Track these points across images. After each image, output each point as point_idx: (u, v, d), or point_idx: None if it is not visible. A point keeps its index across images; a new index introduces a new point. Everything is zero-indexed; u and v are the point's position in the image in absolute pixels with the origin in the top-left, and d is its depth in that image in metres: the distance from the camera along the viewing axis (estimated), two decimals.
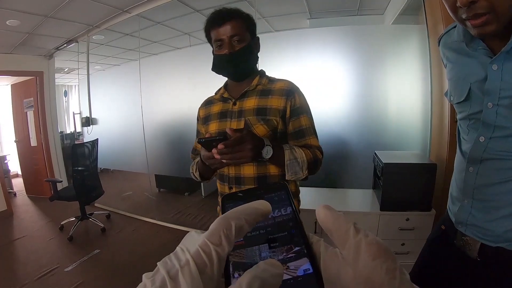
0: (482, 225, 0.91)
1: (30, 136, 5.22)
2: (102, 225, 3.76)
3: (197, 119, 1.39)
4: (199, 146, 1.26)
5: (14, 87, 5.39)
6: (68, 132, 6.23)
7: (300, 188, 2.99)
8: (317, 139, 1.25)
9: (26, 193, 5.47)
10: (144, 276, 0.22)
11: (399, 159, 2.20)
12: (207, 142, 0.98)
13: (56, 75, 5.42)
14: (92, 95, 4.40)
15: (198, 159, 1.23)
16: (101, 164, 4.28)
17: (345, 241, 0.22)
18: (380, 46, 2.86)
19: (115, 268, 2.89)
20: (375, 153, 2.48)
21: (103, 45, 4.43)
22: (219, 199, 1.31)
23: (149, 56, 3.82)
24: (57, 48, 4.74)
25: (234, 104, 1.24)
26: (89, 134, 4.45)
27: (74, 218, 3.79)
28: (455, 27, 0.94)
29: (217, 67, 1.21)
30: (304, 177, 1.17)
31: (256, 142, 1.02)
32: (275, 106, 1.19)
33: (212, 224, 0.23)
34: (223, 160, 0.99)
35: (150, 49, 3.99)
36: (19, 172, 5.80)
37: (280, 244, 0.26)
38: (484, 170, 0.88)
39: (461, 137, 1.00)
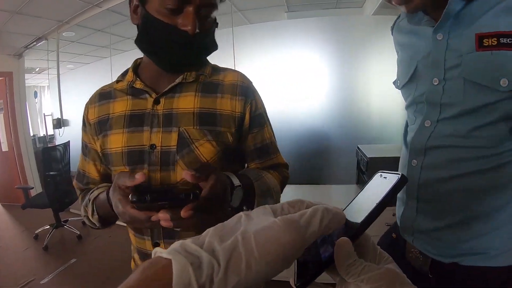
0: (431, 234, 0.78)
1: (1, 141, 4.99)
2: (78, 232, 3.60)
3: (83, 125, 0.85)
4: (91, 170, 0.85)
5: None
6: (41, 135, 5.99)
7: None
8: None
9: None
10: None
11: (384, 153, 2.18)
12: (153, 202, 0.54)
13: (27, 76, 5.20)
14: (63, 95, 4.23)
15: (95, 194, 0.78)
16: (74, 168, 4.10)
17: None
18: (361, 38, 2.83)
19: (92, 278, 2.77)
20: (358, 147, 2.45)
21: (74, 42, 4.26)
22: (135, 256, 0.87)
23: (121, 53, 3.68)
24: (26, 47, 4.55)
25: (156, 102, 0.75)
26: (61, 137, 4.26)
27: (48, 226, 3.62)
28: None
29: (156, 47, 0.72)
30: None
31: (225, 187, 0.64)
32: (229, 111, 0.77)
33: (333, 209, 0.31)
34: (174, 228, 0.58)
35: (123, 46, 3.85)
36: None
37: None
38: (430, 163, 0.76)
39: (407, 129, 0.89)
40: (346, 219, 0.31)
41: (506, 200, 0.71)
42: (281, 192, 0.85)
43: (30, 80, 6.00)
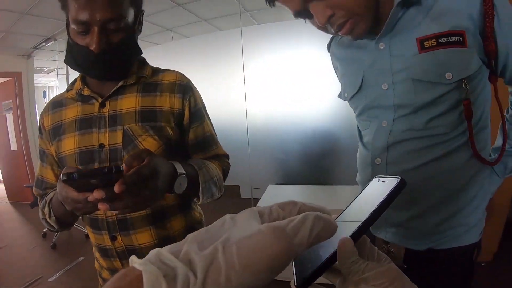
0: (404, 225, 0.82)
1: (10, 140, 5.07)
2: (86, 231, 3.62)
3: (40, 132, 0.91)
4: (49, 174, 0.90)
5: None
6: None
7: (286, 186, 2.97)
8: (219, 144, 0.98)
9: (8, 200, 5.32)
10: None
11: None
12: (81, 179, 0.54)
13: (36, 76, 5.26)
14: None
15: (50, 196, 0.81)
16: None
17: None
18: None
19: None
20: None
21: None
22: (97, 255, 0.91)
23: None
24: (35, 47, 4.59)
25: (102, 105, 0.82)
26: None
27: None
28: None
29: (78, 65, 0.79)
30: (219, 196, 0.88)
31: (166, 171, 0.66)
32: (167, 107, 0.84)
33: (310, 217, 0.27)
34: (110, 211, 0.58)
35: None
36: (1, 178, 5.60)
37: None
38: (393, 158, 0.80)
39: (362, 134, 0.93)
40: (346, 221, 0.31)
41: (465, 180, 0.77)
42: (224, 180, 0.92)
43: (39, 80, 6.07)
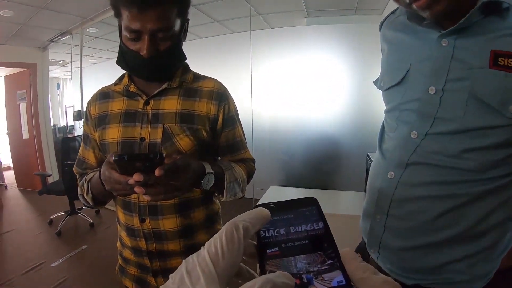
0: (396, 253, 0.73)
1: (22, 129, 5.16)
2: (91, 221, 3.72)
3: (86, 118, 1.00)
4: (90, 156, 1.00)
5: (7, 78, 5.32)
6: (61, 125, 6.17)
7: (290, 188, 3.00)
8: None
9: (17, 186, 5.41)
10: (170, 276, 0.24)
11: None
12: (129, 161, 0.62)
13: (51, 68, 5.36)
14: (85, 88, 4.34)
15: (90, 175, 0.92)
16: None
17: (365, 280, 0.25)
18: (379, 46, 2.82)
19: (101, 265, 2.86)
20: (368, 155, 2.45)
21: (97, 38, 4.37)
22: (122, 234, 1.01)
23: None
24: (51, 40, 4.68)
25: (146, 103, 0.91)
26: (80, 128, 4.39)
27: (63, 213, 3.75)
28: None
29: (128, 67, 0.89)
30: (242, 196, 0.98)
31: (196, 168, 0.77)
32: (204, 112, 0.92)
33: (225, 225, 0.26)
34: (145, 196, 0.68)
35: None
36: (11, 165, 5.72)
37: (315, 256, 0.27)
38: (409, 179, 0.69)
39: (384, 135, 0.82)
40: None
41: (483, 229, 0.65)
42: (249, 182, 1.01)
43: (54, 72, 6.16)
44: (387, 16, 0.84)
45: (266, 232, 0.30)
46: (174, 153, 0.75)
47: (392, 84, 0.75)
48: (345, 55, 2.94)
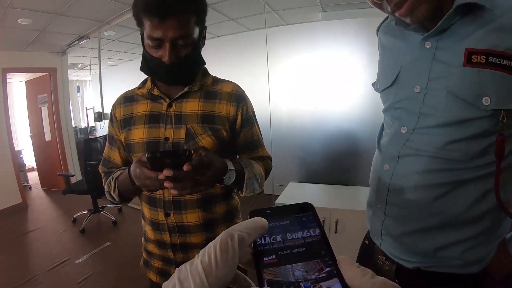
0: (396, 238, 0.79)
1: (45, 131, 5.32)
2: (114, 218, 3.81)
3: (111, 120, 1.06)
4: (115, 156, 1.05)
5: (28, 83, 5.50)
6: (82, 127, 6.33)
7: (309, 184, 2.99)
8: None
9: (41, 186, 5.59)
10: (163, 284, 0.25)
11: None
12: (161, 157, 0.68)
13: (70, 71, 5.50)
14: (104, 90, 4.43)
15: (117, 174, 0.98)
16: None
17: (363, 283, 0.24)
18: None
19: (124, 261, 2.93)
20: None
21: (114, 40, 4.46)
22: (146, 229, 1.06)
23: None
24: (69, 45, 4.78)
25: (169, 105, 0.96)
26: (101, 129, 4.49)
27: (86, 211, 3.86)
28: None
29: (151, 73, 0.94)
30: (260, 192, 1.02)
31: (219, 165, 0.82)
32: (224, 113, 0.98)
33: (220, 234, 0.26)
34: (172, 190, 0.73)
35: None
36: (35, 166, 5.92)
37: (312, 264, 0.27)
38: (401, 170, 0.75)
39: (382, 133, 0.89)
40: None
41: (472, 215, 0.70)
42: (266, 178, 1.05)
43: (73, 76, 6.32)
44: (382, 21, 0.89)
45: (263, 239, 0.29)
46: (201, 148, 0.80)
47: (386, 86, 0.81)
48: (362, 50, 2.90)
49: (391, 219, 0.79)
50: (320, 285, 0.25)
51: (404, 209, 0.76)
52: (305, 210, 0.32)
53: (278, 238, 0.29)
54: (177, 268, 0.25)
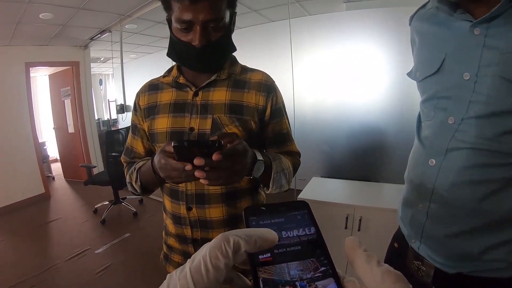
0: (439, 241, 0.74)
1: (68, 123, 5.46)
2: (134, 210, 3.86)
3: (134, 109, 1.02)
4: (138, 145, 1.02)
5: (51, 77, 5.63)
6: (105, 119, 6.46)
7: (332, 180, 2.92)
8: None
9: (64, 177, 5.75)
10: None
11: None
12: (188, 147, 0.61)
13: (92, 65, 5.60)
14: (126, 83, 4.48)
15: (140, 164, 0.94)
16: None
17: (366, 270, 0.23)
18: None
19: (143, 252, 2.95)
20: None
21: (136, 34, 4.49)
22: (167, 222, 1.02)
23: None
24: (91, 39, 4.86)
25: (195, 94, 0.92)
26: (123, 121, 4.55)
27: (107, 202, 3.92)
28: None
29: (180, 58, 0.89)
30: (287, 189, 0.95)
31: (250, 155, 0.75)
32: (253, 103, 0.92)
33: (215, 237, 0.25)
34: (203, 180, 0.65)
35: None
36: (58, 157, 6.09)
37: (308, 263, 0.27)
38: (450, 164, 0.70)
39: (421, 124, 0.83)
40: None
41: None
42: (294, 175, 0.97)
43: (96, 69, 6.45)
44: (417, 11, 0.87)
45: None
46: (233, 135, 0.73)
47: (429, 73, 0.77)
48: (388, 40, 2.79)
49: (435, 220, 0.75)
50: (316, 285, 0.25)
51: (450, 209, 0.71)
52: (300, 208, 0.31)
53: None
54: (168, 274, 0.24)
